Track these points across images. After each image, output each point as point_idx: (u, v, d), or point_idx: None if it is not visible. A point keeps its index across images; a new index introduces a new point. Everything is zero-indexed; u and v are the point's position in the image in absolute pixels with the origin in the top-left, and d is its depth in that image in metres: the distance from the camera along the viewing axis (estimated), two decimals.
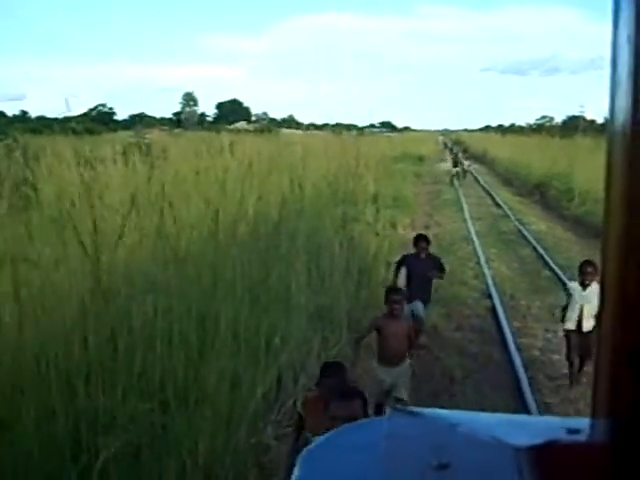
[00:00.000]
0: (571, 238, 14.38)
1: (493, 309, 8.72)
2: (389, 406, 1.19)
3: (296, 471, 0.80)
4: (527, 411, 5.63)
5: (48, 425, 3.76)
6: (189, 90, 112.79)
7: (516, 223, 16.31)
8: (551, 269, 10.91)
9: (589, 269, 6.18)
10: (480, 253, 12.28)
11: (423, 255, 7.31)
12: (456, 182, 26.46)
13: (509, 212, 18.37)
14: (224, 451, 4.31)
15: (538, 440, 0.75)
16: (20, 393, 3.84)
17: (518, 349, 7.21)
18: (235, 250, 5.94)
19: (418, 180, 27.25)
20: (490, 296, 9.30)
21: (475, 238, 13.88)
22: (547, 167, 24.53)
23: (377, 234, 10.28)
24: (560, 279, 9.76)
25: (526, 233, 14.61)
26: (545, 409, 5.80)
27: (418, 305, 7.18)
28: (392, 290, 5.73)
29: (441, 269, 7.48)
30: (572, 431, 0.78)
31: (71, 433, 3.84)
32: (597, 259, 7.68)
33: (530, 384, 6.28)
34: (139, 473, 3.90)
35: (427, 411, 0.90)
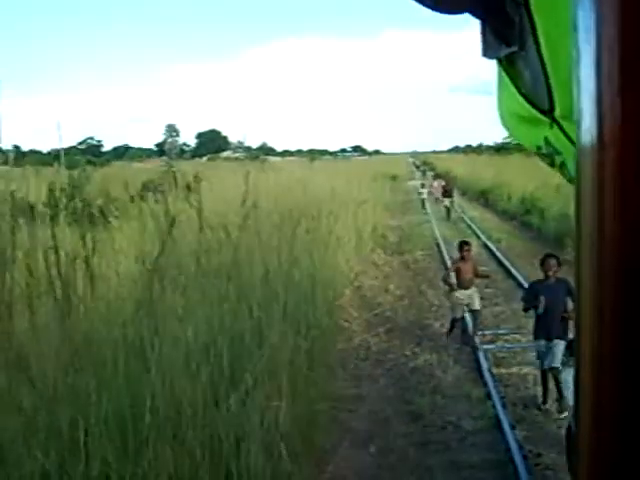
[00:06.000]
0: (492, 219, 24.53)
1: (438, 245, 18.34)
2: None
3: None
4: None
5: None
6: (169, 122, 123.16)
7: (461, 214, 26.24)
8: (473, 230, 20.79)
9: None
10: (434, 227, 21.99)
11: (553, 280, 6.79)
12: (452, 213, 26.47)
13: (458, 209, 28.26)
14: None
15: None
16: None
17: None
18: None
19: (393, 193, 36.97)
20: (436, 238, 19.07)
21: (434, 221, 23.62)
22: (493, 179, 34.46)
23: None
24: (475, 233, 19.66)
25: (465, 217, 24.59)
26: None
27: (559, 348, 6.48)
28: (463, 242, 9.46)
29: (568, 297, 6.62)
30: None
31: None
32: (500, 234, 17.93)
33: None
34: None
35: None
